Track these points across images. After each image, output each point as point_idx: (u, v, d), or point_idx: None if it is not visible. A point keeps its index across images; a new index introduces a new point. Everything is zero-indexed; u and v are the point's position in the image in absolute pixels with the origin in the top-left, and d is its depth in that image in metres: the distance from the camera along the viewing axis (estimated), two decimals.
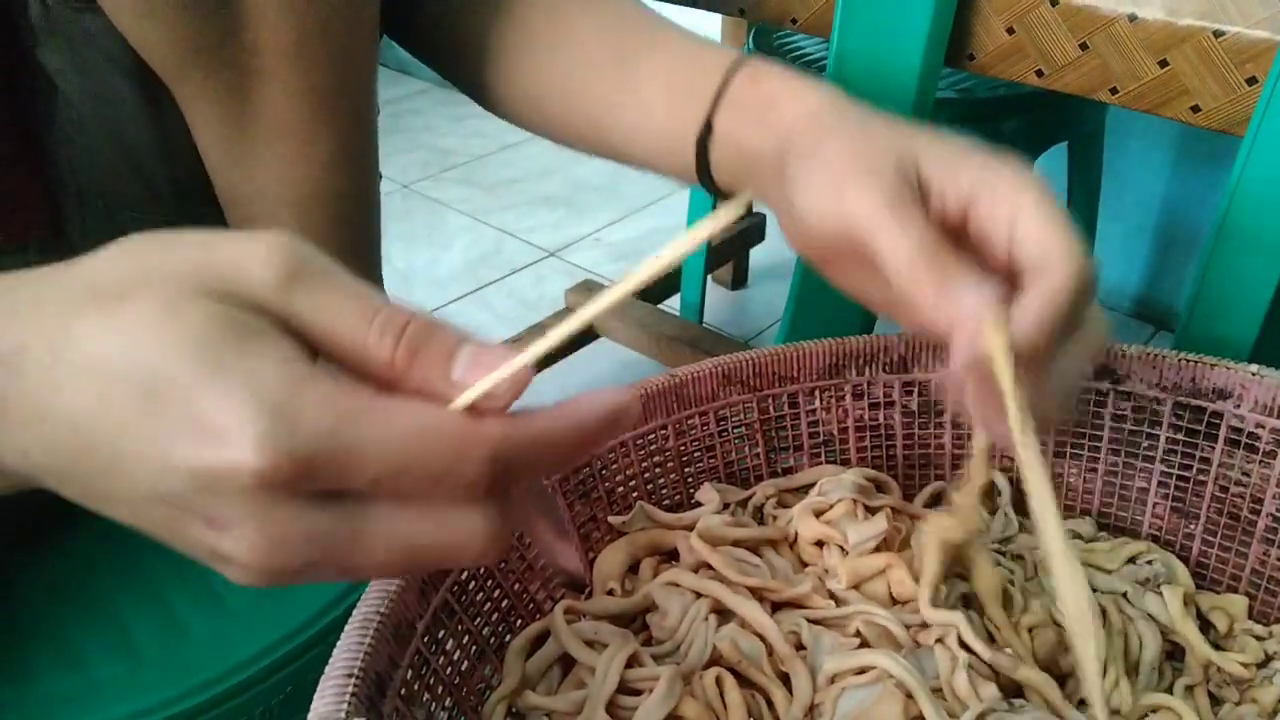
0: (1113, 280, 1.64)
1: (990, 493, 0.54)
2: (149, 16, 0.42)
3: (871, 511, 0.49)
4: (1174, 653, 0.48)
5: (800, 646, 0.44)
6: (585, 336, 1.39)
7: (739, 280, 1.74)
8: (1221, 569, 0.51)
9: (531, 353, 0.26)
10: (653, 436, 0.51)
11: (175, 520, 0.25)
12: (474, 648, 0.44)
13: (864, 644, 0.44)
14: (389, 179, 1.96)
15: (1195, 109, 0.60)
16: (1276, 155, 0.56)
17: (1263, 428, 0.48)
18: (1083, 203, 1.46)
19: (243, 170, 0.47)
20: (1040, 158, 1.21)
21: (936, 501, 0.54)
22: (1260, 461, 0.49)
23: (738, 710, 0.41)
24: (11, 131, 0.47)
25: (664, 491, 0.53)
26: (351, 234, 0.51)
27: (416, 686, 0.40)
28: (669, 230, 1.90)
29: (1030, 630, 0.45)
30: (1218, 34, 0.57)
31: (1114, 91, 0.63)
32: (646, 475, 0.52)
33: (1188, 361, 0.50)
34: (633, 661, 0.43)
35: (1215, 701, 0.46)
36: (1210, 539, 0.51)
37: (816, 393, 0.54)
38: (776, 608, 0.46)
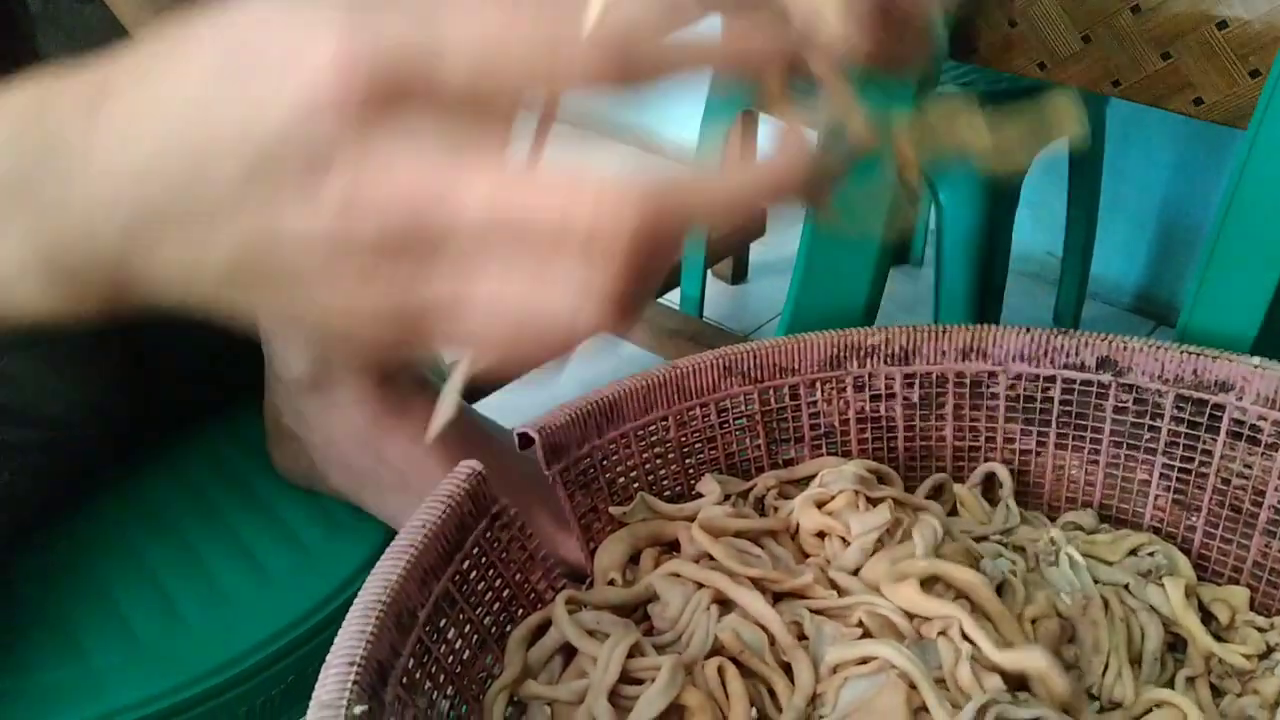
0: (1114, 275, 1.64)
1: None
2: (149, 8, 0.42)
3: (873, 503, 0.49)
4: (1176, 644, 0.48)
5: (802, 637, 0.44)
6: None
7: (739, 275, 1.74)
8: (1223, 561, 0.51)
9: None
10: (654, 428, 0.51)
11: (276, 194, 0.23)
12: (475, 637, 0.44)
13: (866, 634, 0.44)
14: None
15: (1198, 102, 0.60)
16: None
17: (1265, 420, 0.48)
18: (1084, 198, 1.46)
19: None
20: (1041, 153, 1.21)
21: (938, 493, 0.54)
22: (1262, 454, 0.49)
23: (740, 700, 0.41)
24: None
25: (665, 483, 0.53)
26: None
27: (418, 675, 0.39)
28: None
29: (1033, 622, 0.45)
30: (1221, 26, 0.57)
31: (1116, 84, 0.63)
32: (648, 466, 0.52)
33: (1190, 354, 0.50)
34: (634, 651, 0.43)
35: (1217, 693, 0.46)
36: (1212, 531, 0.51)
37: (818, 384, 0.54)
38: (778, 598, 0.46)
